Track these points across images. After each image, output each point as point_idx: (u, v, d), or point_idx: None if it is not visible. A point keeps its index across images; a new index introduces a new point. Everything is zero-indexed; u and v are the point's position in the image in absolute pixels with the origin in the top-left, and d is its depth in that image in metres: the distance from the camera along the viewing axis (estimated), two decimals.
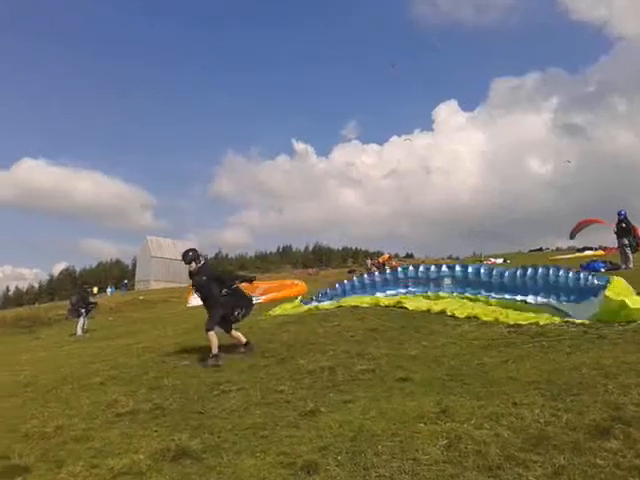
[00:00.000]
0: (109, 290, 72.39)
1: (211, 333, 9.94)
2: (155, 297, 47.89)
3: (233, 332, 10.52)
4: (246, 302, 10.70)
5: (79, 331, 23.89)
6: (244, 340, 10.50)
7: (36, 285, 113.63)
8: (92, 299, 26.70)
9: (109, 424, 6.82)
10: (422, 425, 5.52)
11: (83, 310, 24.50)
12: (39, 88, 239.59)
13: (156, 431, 6.36)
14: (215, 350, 9.83)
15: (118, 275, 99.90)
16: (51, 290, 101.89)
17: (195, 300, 31.04)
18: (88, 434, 6.43)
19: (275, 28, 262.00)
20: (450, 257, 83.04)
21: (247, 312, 10.69)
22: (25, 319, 34.11)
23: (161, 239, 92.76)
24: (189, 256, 10.31)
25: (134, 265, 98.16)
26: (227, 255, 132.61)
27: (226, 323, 10.39)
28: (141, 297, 48.99)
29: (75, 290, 30.02)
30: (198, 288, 10.43)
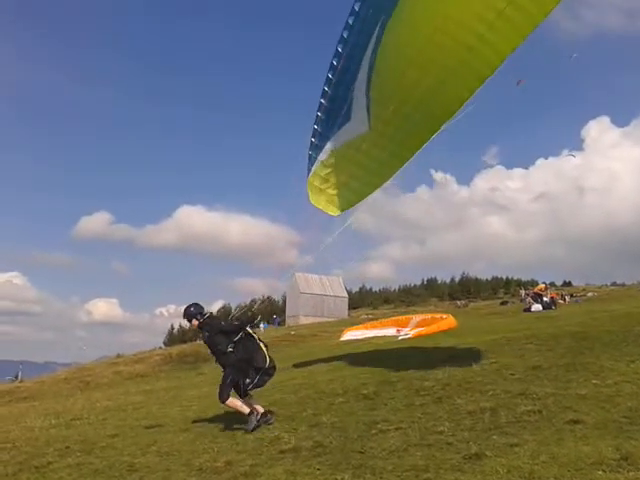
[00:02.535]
0: (262, 326, 75.67)
1: (227, 402, 9.06)
2: (305, 332, 49.24)
3: (230, 401, 9.11)
4: (260, 366, 9.19)
5: None
6: (260, 410, 9.20)
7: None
8: None
9: (273, 460, 7.05)
10: (601, 473, 5.07)
11: None
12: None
13: (319, 469, 6.45)
14: (247, 410, 9.01)
15: (269, 311, 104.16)
16: None
17: (349, 335, 31.48)
18: (255, 470, 6.69)
19: None
20: (614, 284, 76.40)
21: (260, 382, 9.27)
22: (189, 355, 36.65)
23: (308, 275, 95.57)
24: (188, 312, 9.45)
25: (284, 301, 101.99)
26: (371, 289, 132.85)
27: (238, 389, 9.28)
28: (292, 332, 50.60)
29: None
30: (208, 346, 9.50)
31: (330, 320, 74.20)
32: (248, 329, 9.44)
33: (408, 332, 25.70)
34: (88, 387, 27.49)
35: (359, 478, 5.94)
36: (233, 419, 9.97)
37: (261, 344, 9.34)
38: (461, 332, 23.14)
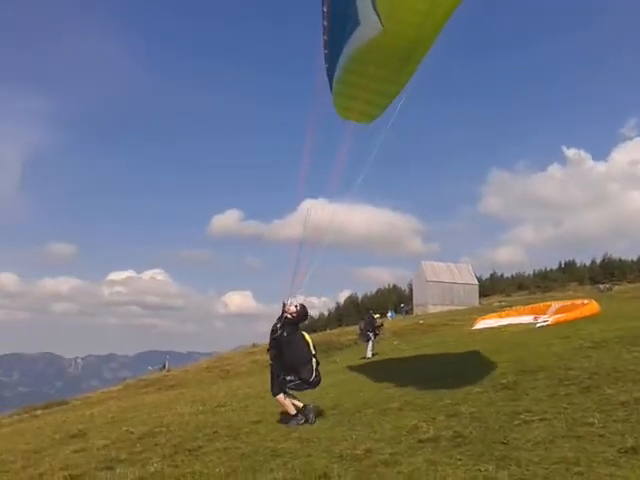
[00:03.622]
0: (389, 314, 75.68)
1: (278, 397, 9.59)
2: (435, 321, 48.56)
3: (280, 396, 9.58)
4: (304, 377, 9.45)
5: (369, 354, 25.47)
6: (293, 410, 9.53)
7: (325, 312, 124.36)
8: (378, 323, 28.22)
9: (413, 450, 7.00)
10: None
11: (371, 334, 26.13)
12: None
13: (460, 460, 6.31)
14: (292, 410, 9.47)
15: (396, 300, 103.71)
16: (339, 316, 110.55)
17: (483, 323, 30.58)
18: (395, 458, 6.68)
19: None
20: None
21: (298, 388, 9.60)
22: (321, 344, 37.52)
23: (435, 263, 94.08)
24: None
25: (410, 289, 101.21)
26: (502, 275, 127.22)
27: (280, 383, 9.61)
28: (421, 321, 50.13)
29: (363, 316, 32.18)
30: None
31: (460, 308, 72.50)
32: (309, 340, 9.73)
33: (547, 319, 24.40)
34: (228, 375, 29.08)
35: (504, 470, 5.73)
36: (369, 407, 10.06)
37: (313, 359, 9.58)
38: (605, 318, 21.58)
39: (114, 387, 36.76)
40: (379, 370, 17.64)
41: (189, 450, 8.60)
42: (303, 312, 9.79)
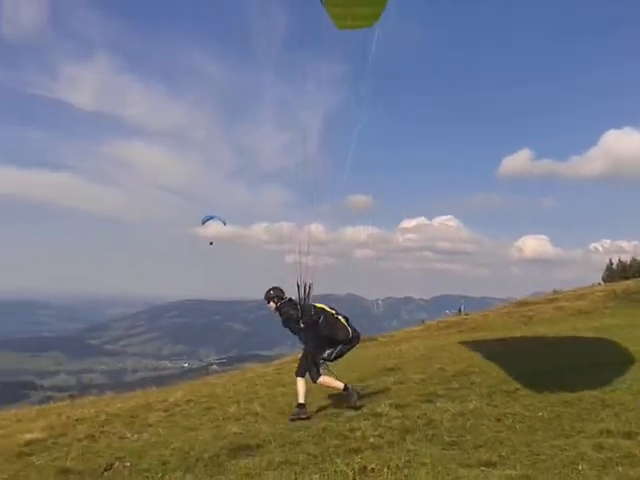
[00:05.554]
0: None
1: (299, 379, 9.35)
2: None
3: (320, 379, 9.32)
4: (342, 339, 9.33)
5: None
6: (340, 385, 9.34)
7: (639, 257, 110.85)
8: None
9: None
10: None
11: None
12: None
13: None
14: (302, 399, 9.21)
15: None
16: None
17: None
18: None
19: None
20: None
21: (341, 351, 9.42)
22: (636, 292, 33.73)
23: None
24: (267, 295, 9.87)
25: None
26: None
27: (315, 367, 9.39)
28: None
29: None
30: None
31: None
32: (323, 306, 9.53)
33: None
34: (531, 321, 28.15)
35: None
36: None
37: (339, 317, 9.42)
38: None
39: (415, 327, 38.80)
40: None
41: (506, 392, 8.66)
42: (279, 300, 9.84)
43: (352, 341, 9.53)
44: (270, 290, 9.94)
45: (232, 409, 10.74)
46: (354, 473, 5.59)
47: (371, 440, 7.02)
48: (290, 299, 9.81)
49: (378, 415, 8.33)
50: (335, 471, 5.73)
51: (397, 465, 5.72)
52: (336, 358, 9.55)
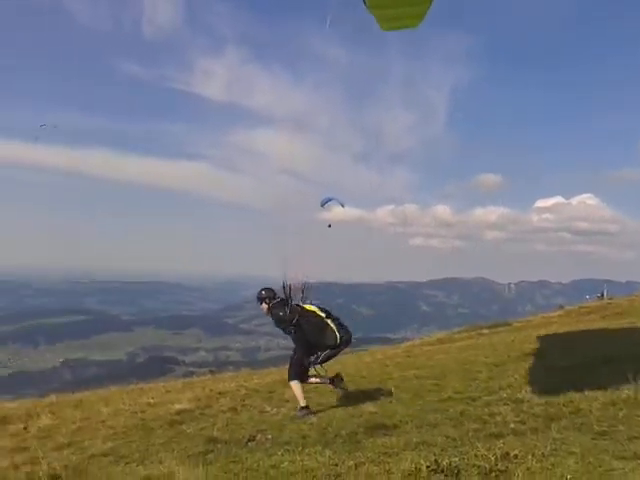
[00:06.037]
0: None
1: (292, 383, 9.31)
2: None
3: (292, 382, 9.32)
4: (330, 344, 9.24)
5: None
6: (302, 403, 9.18)
7: None
8: None
9: None
10: None
11: None
12: None
13: None
14: (302, 402, 9.18)
15: None
16: None
17: None
18: None
19: None
20: None
21: (328, 356, 9.36)
22: None
23: None
24: (259, 295, 9.69)
25: None
26: None
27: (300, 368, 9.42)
28: None
29: None
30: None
31: None
32: (314, 308, 9.41)
33: None
34: None
35: None
36: None
37: (328, 321, 9.25)
38: None
39: (553, 312, 36.84)
40: None
41: None
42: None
43: (340, 346, 9.35)
44: (262, 291, 9.75)
45: (365, 388, 10.88)
46: (496, 458, 5.40)
47: (512, 426, 6.79)
48: (281, 299, 9.62)
49: (519, 401, 8.03)
50: (476, 455, 5.57)
51: (542, 453, 5.45)
52: (323, 362, 9.47)
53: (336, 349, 9.35)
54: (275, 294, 9.66)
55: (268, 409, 10.10)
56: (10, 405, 15.17)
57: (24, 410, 13.25)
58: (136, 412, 11.28)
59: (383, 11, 7.07)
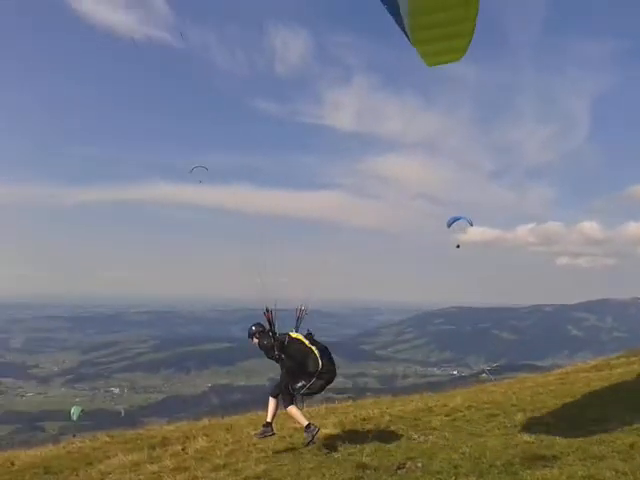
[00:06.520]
0: None
1: (288, 409, 9.70)
2: None
3: (289, 408, 9.68)
4: (311, 370, 9.44)
5: None
6: (304, 422, 9.66)
7: None
8: None
9: None
10: None
11: None
12: None
13: None
14: (269, 418, 9.86)
15: None
16: None
17: None
18: None
19: None
20: None
21: (313, 388, 9.49)
22: None
23: None
24: (249, 331, 10.10)
25: None
26: None
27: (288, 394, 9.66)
28: None
29: None
30: None
31: None
32: (299, 336, 9.72)
33: None
34: None
35: None
36: None
37: (313, 348, 9.50)
38: None
39: None
40: None
41: None
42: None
43: (322, 376, 9.44)
44: (252, 326, 10.11)
45: (518, 417, 10.28)
46: None
47: None
48: (265, 330, 9.96)
49: None
50: None
51: None
52: (308, 394, 9.71)
53: (322, 381, 9.51)
54: (264, 328, 10.01)
55: (415, 436, 9.86)
56: (168, 427, 16.19)
57: (181, 432, 14.10)
58: (284, 436, 11.54)
59: (427, 47, 7.15)
